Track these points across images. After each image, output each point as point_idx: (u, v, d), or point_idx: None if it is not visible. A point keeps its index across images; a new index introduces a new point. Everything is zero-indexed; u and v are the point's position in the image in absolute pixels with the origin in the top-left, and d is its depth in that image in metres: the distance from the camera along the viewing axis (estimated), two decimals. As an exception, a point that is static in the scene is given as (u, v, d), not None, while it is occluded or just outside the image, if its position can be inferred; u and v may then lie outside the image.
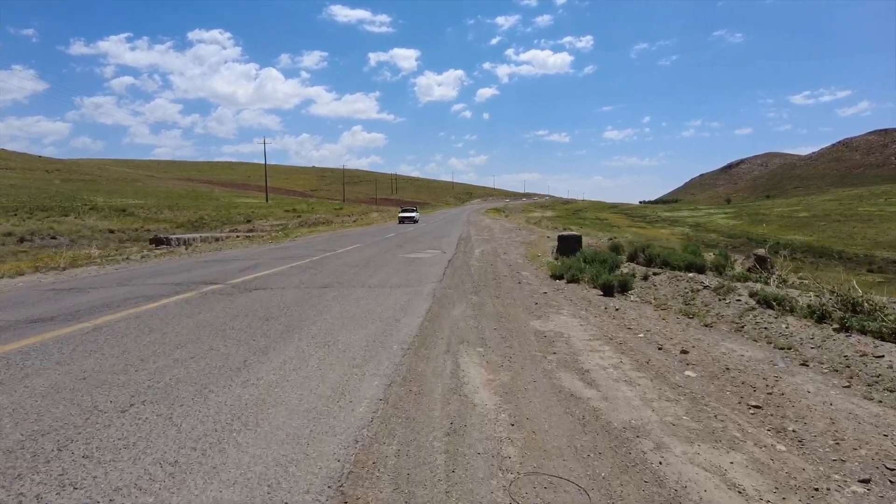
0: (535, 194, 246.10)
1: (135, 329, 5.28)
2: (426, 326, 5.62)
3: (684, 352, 5.05)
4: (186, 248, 16.24)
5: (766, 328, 5.75)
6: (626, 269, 8.96)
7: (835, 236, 68.94)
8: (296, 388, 3.61)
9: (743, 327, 5.92)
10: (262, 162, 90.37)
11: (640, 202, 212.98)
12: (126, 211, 50.12)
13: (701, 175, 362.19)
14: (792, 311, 5.96)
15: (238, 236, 20.87)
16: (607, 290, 7.85)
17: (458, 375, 4.05)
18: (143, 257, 14.21)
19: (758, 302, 6.39)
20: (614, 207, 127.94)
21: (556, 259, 12.30)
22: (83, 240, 33.87)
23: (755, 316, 6.10)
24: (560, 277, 9.34)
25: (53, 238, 33.12)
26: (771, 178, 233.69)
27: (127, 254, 14.95)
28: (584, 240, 13.58)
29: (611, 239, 21.95)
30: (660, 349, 5.17)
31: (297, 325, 5.49)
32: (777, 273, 7.92)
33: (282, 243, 19.55)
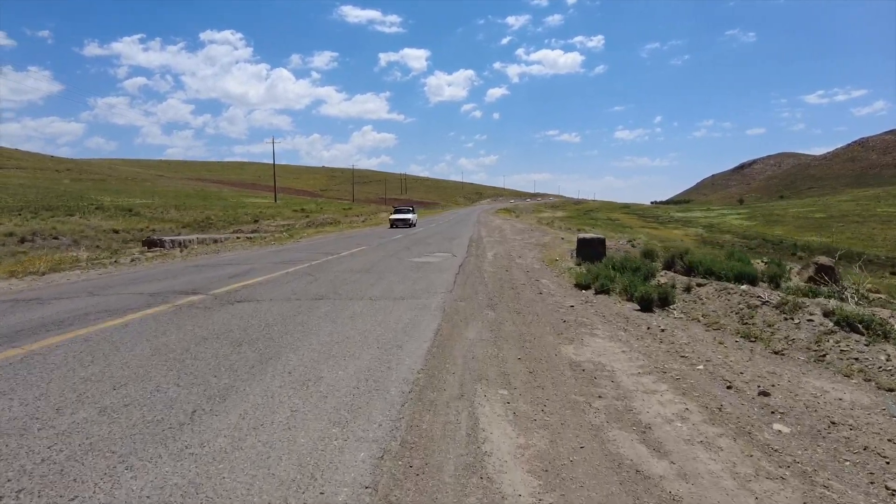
0: (546, 194, 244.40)
1: (74, 358, 4.26)
2: (434, 355, 4.55)
3: (764, 393, 3.93)
4: (181, 251, 15.33)
5: (856, 359, 4.61)
6: (662, 278, 7.84)
7: (854, 238, 67.00)
8: (248, 465, 2.55)
9: (824, 356, 4.78)
10: (273, 162, 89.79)
11: (652, 202, 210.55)
12: (132, 211, 49.63)
13: (713, 175, 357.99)
14: (886, 336, 4.82)
15: (240, 237, 19.97)
16: (645, 305, 6.74)
17: (476, 438, 2.97)
18: (132, 261, 13.29)
19: (836, 323, 5.25)
20: (626, 208, 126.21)
21: (579, 264, 11.19)
22: (86, 240, 33.23)
23: (837, 342, 4.96)
24: (586, 287, 8.24)
25: (56, 238, 32.45)
26: (784, 178, 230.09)
27: (117, 256, 14.05)
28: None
29: (630, 241, 20.71)
30: (729, 388, 4.07)
31: (274, 354, 4.44)
32: (852, 286, 6.75)
33: (284, 245, 18.60)
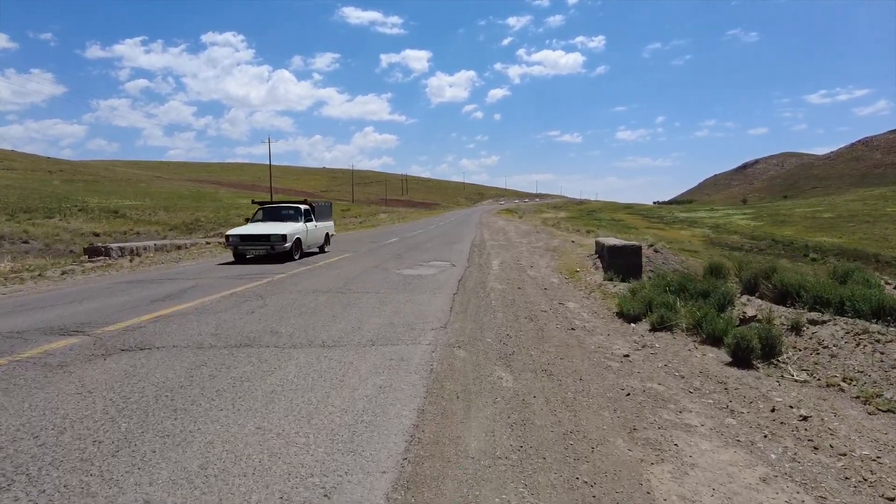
0: (548, 195, 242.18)
1: None
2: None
3: None
4: (131, 261, 13.00)
5: None
6: (747, 307, 5.48)
7: (867, 238, 64.70)
8: None
9: None
10: (274, 163, 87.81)
11: (655, 203, 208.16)
12: (118, 212, 47.38)
13: (715, 175, 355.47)
14: None
15: (210, 243, 17.64)
16: (741, 356, 4.38)
17: None
18: (63, 274, 10.95)
19: None
20: (629, 208, 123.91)
21: (610, 279, 8.82)
22: (60, 244, 30.92)
23: None
24: (634, 319, 5.88)
25: (25, 242, 30.15)
26: (788, 178, 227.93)
27: (48, 268, 11.69)
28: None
29: (651, 245, 18.28)
30: None
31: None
32: None
33: None
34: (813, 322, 4.77)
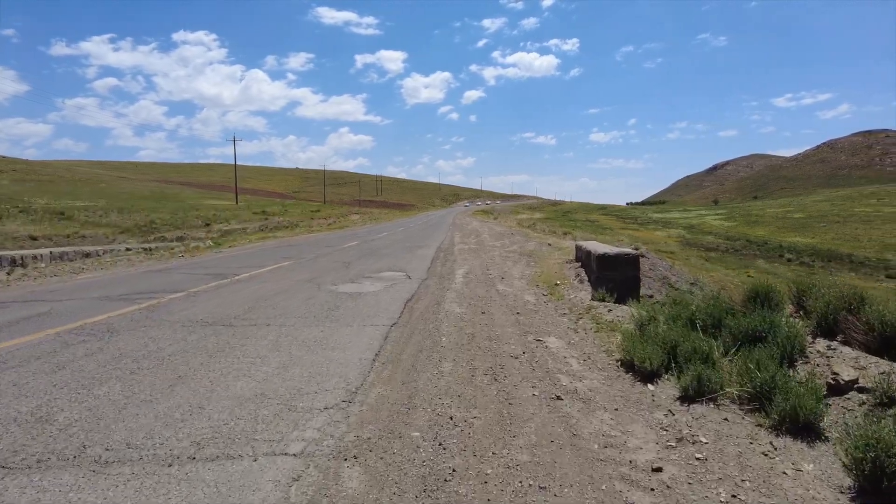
0: (523, 196, 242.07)
1: None
2: None
3: None
4: (10, 273, 10.46)
5: None
6: (833, 360, 3.46)
7: (838, 238, 65.00)
8: None
9: None
10: (246, 164, 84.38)
11: (628, 203, 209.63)
12: (64, 214, 43.77)
13: (687, 176, 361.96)
14: None
15: (131, 249, 15.09)
16: (871, 476, 2.35)
17: None
18: None
19: None
20: (603, 209, 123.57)
21: (602, 299, 6.77)
22: (-16, 249, 27.73)
23: None
24: (650, 375, 3.82)
25: (-62, 248, 26.86)
26: (757, 179, 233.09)
27: None
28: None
29: (636, 247, 16.39)
30: None
31: None
32: None
33: (194, 258, 13.77)
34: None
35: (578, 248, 10.83)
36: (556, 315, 6.27)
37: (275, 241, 22.64)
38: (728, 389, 3.37)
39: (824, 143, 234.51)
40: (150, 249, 15.65)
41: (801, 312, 4.21)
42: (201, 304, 6.82)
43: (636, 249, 15.56)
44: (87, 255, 12.97)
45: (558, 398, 3.50)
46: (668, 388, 3.64)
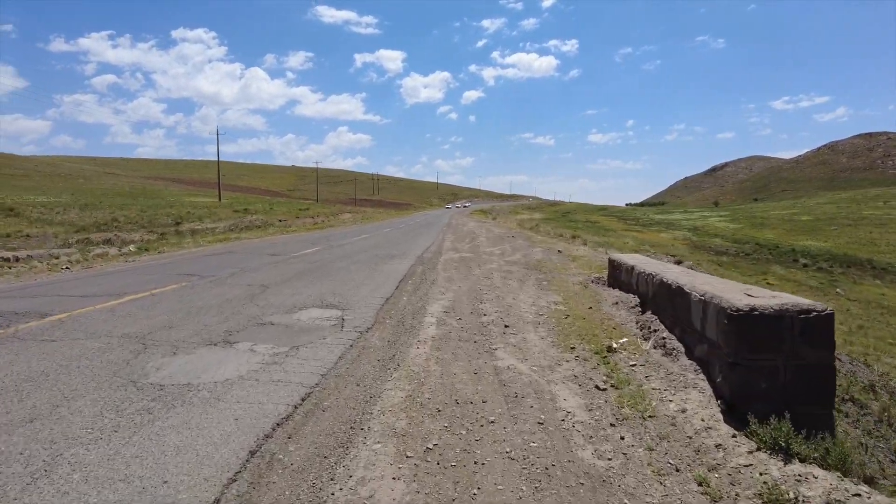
0: (522, 196, 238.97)
1: None
2: None
3: None
4: None
5: None
6: None
7: (853, 242, 61.69)
8: None
9: None
10: (244, 161, 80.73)
11: (627, 204, 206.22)
12: (14, 211, 39.89)
13: (685, 178, 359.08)
14: None
15: (19, 259, 11.55)
16: None
17: None
18: None
19: None
20: (603, 209, 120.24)
21: (767, 438, 3.15)
22: None
23: None
24: None
25: None
26: (757, 180, 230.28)
27: None
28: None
29: (678, 260, 12.85)
30: None
31: None
32: None
33: (111, 266, 10.25)
34: None
35: (616, 266, 7.27)
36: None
37: (227, 244, 19.07)
38: None
39: (825, 145, 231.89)
40: (56, 259, 12.02)
41: None
42: None
43: (677, 261, 11.94)
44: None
45: None
46: None
